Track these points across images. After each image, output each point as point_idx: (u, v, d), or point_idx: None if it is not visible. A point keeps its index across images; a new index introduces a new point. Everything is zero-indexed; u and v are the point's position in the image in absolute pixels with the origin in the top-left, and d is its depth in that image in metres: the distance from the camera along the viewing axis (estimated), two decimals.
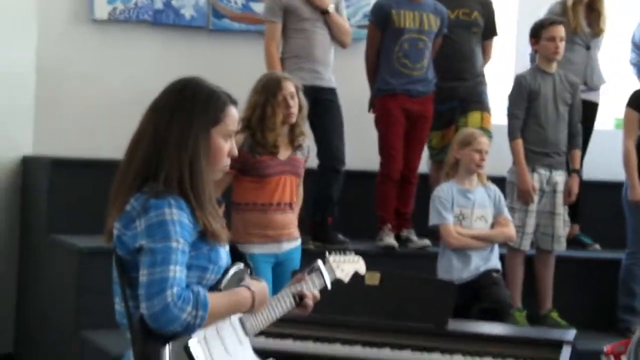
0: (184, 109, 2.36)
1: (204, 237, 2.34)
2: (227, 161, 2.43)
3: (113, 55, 5.83)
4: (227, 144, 2.41)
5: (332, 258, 2.74)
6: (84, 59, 5.76)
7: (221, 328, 2.38)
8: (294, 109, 4.26)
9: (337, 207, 5.50)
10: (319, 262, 2.69)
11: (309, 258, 4.36)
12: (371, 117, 5.68)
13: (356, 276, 2.81)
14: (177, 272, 2.24)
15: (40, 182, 5.48)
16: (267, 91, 4.23)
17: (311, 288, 2.62)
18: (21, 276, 5.58)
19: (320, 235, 5.37)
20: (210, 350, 2.33)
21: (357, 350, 3.56)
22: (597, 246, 6.05)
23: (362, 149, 5.74)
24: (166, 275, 2.22)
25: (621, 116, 5.73)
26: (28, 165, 5.62)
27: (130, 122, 5.49)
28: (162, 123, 2.35)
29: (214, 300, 2.29)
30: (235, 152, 2.46)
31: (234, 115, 2.43)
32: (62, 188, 5.37)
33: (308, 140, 4.48)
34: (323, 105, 5.32)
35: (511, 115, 5.41)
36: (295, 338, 3.64)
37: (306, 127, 4.84)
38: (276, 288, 4.03)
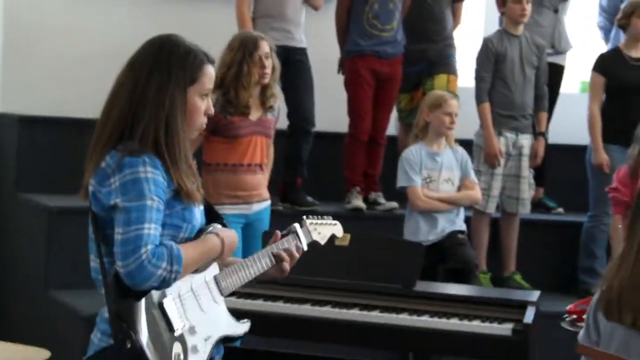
0: (161, 67, 2.36)
1: (178, 195, 2.35)
2: (203, 120, 2.44)
3: (84, 8, 5.76)
4: (203, 103, 2.42)
5: (309, 221, 2.76)
6: (54, 11, 5.68)
7: (196, 286, 2.41)
8: (268, 70, 4.27)
9: (306, 168, 5.54)
10: (296, 225, 2.70)
11: (278, 219, 4.43)
12: (340, 78, 5.69)
13: (333, 239, 2.83)
14: (152, 230, 2.26)
15: (7, 140, 5.44)
16: (244, 49, 4.23)
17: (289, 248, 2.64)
18: None
19: (289, 196, 5.42)
20: (185, 307, 2.35)
21: (326, 310, 3.60)
22: (561, 209, 6.15)
23: (331, 110, 5.76)
24: (140, 233, 2.24)
25: (587, 80, 5.80)
26: None
27: (101, 77, 5.43)
28: (139, 81, 2.35)
29: (187, 251, 2.31)
30: (212, 110, 2.46)
31: (211, 73, 2.44)
32: (30, 146, 5.35)
33: (278, 101, 4.49)
34: (294, 66, 5.33)
35: (478, 78, 5.46)
36: (265, 298, 3.68)
37: (277, 88, 4.86)
38: (246, 248, 4.09)
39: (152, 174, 2.29)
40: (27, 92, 5.62)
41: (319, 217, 2.81)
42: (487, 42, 5.47)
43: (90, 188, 2.36)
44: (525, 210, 5.49)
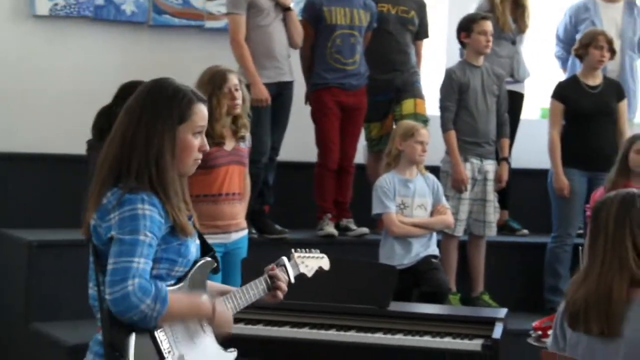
0: (150, 108, 2.50)
1: (174, 231, 2.48)
2: (198, 156, 2.57)
3: (55, 51, 5.89)
4: (196, 140, 2.55)
5: (297, 254, 2.88)
6: (26, 55, 5.80)
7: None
8: (239, 101, 4.40)
9: (273, 196, 5.67)
10: (284, 258, 2.83)
11: (251, 247, 4.56)
12: (308, 109, 5.86)
13: (320, 272, 2.95)
14: (142, 264, 2.37)
15: None
16: (214, 83, 4.36)
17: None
18: None
19: (257, 224, 5.51)
20: (175, 336, 2.47)
21: (305, 332, 3.75)
22: (526, 231, 6.33)
23: (299, 139, 5.93)
24: (129, 265, 2.36)
25: (547, 106, 6.02)
26: None
27: (74, 115, 5.61)
28: (130, 123, 2.50)
29: (175, 299, 2.42)
30: (207, 147, 2.59)
31: (202, 111, 2.57)
32: (9, 182, 5.44)
33: (248, 132, 4.56)
34: (282, 100, 5.52)
35: (443, 107, 5.65)
36: (246, 322, 3.81)
37: (267, 119, 4.98)
38: (225, 276, 4.21)
39: (149, 211, 2.42)
40: (7, 130, 5.72)
41: (307, 250, 2.93)
42: (450, 73, 5.67)
43: (92, 222, 2.49)
44: (491, 232, 5.68)
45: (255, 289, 2.71)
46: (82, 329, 4.50)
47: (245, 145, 4.52)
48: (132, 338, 2.39)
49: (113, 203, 2.44)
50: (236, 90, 4.41)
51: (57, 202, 5.35)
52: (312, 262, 2.92)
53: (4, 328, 5.19)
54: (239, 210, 4.45)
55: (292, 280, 2.82)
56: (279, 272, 2.76)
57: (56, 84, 5.86)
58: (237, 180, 4.42)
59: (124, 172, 2.48)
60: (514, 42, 6.23)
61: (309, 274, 2.90)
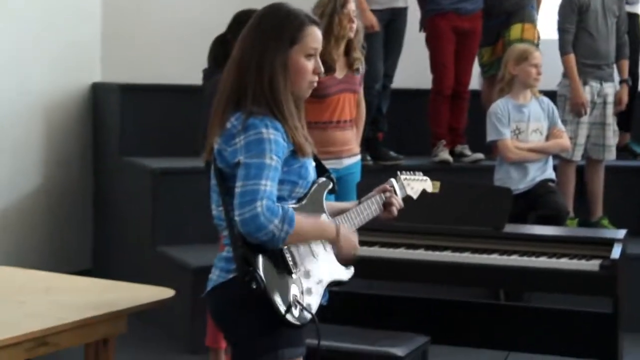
0: (261, 33, 2.54)
1: (295, 154, 2.55)
2: (313, 78, 2.60)
3: None
4: (310, 62, 2.58)
5: (404, 177, 2.92)
6: None
7: None
8: (354, 25, 4.36)
9: (387, 123, 5.69)
10: (392, 180, 2.87)
11: (365, 173, 4.61)
12: (421, 36, 5.83)
13: (424, 194, 2.98)
14: (269, 186, 2.44)
15: (110, 108, 5.74)
16: (336, 2, 4.32)
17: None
18: (97, 198, 5.87)
19: (372, 151, 5.56)
20: (300, 253, 2.55)
21: (420, 253, 3.78)
22: None
23: (413, 67, 5.90)
24: (257, 187, 2.42)
25: None
26: (98, 92, 5.87)
27: (191, 49, 5.74)
28: (245, 50, 2.55)
29: (301, 220, 2.49)
30: (321, 68, 2.61)
31: (315, 33, 2.58)
32: (131, 113, 5.63)
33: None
34: (395, 28, 5.50)
35: (562, 29, 5.52)
36: (362, 244, 3.85)
37: (379, 46, 4.93)
38: (339, 201, 4.27)
39: (273, 135, 2.48)
40: (126, 62, 5.93)
41: (411, 172, 2.97)
42: None
43: (215, 146, 2.56)
44: (611, 156, 5.57)
45: (370, 208, 2.75)
46: (205, 251, 4.70)
47: (358, 73, 4.49)
48: (261, 254, 2.47)
49: (238, 127, 2.50)
50: (354, 15, 4.37)
51: (176, 131, 5.53)
52: (417, 184, 2.95)
53: (133, 251, 5.45)
54: (351, 136, 4.45)
55: (401, 202, 2.85)
56: (390, 191, 2.79)
57: (176, 19, 6.01)
58: (349, 108, 4.41)
59: (242, 97, 2.53)
60: None
61: (415, 196, 2.94)
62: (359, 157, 4.55)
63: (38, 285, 3.14)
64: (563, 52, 5.48)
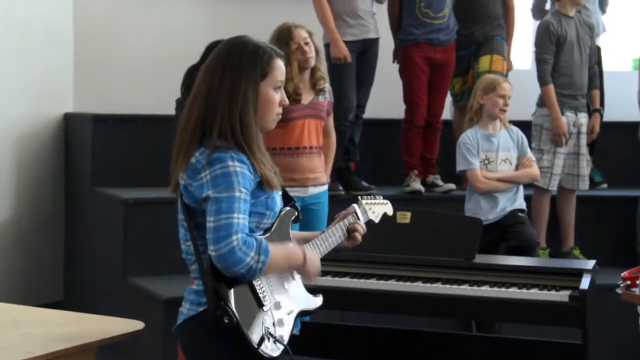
0: (232, 66, 2.55)
1: (261, 186, 2.55)
2: (278, 110, 2.63)
3: (147, 16, 6.05)
4: (277, 95, 2.61)
5: (365, 201, 2.93)
6: (120, 20, 5.99)
7: None
8: (311, 54, 4.33)
9: (359, 152, 5.70)
10: (355, 206, 2.88)
11: (338, 204, 4.61)
12: (394, 67, 5.87)
13: (385, 217, 3.00)
14: (241, 219, 2.44)
15: (82, 138, 5.72)
16: (280, 42, 4.26)
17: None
18: (68, 228, 5.84)
19: (344, 181, 5.56)
20: (270, 285, 2.56)
21: (391, 284, 3.79)
22: (605, 185, 6.24)
23: (386, 97, 5.94)
24: (231, 221, 2.43)
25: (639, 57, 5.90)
26: (70, 122, 5.86)
27: (162, 79, 5.75)
28: (213, 82, 2.55)
29: (272, 249, 2.49)
30: (286, 101, 2.65)
31: (281, 67, 2.62)
32: (103, 143, 5.62)
33: (328, 84, 4.51)
34: (367, 58, 5.53)
35: (541, 60, 5.55)
36: (334, 275, 3.89)
37: (352, 77, 4.95)
38: (306, 231, 4.25)
39: (240, 168, 2.48)
40: (98, 93, 5.93)
41: (372, 197, 2.97)
42: (547, 25, 5.55)
43: (181, 182, 2.56)
44: (584, 186, 5.61)
45: (334, 235, 2.76)
46: (176, 282, 4.67)
47: (325, 99, 4.46)
48: (232, 288, 2.47)
49: (202, 162, 2.50)
50: (306, 43, 4.33)
51: (148, 161, 5.52)
52: (378, 208, 2.97)
53: (104, 282, 5.41)
54: (318, 164, 4.39)
55: (364, 226, 2.86)
56: (352, 216, 2.81)
57: (147, 48, 6.03)
58: (315, 134, 4.37)
59: (208, 130, 2.54)
60: None
61: (376, 220, 2.95)
62: (326, 187, 4.49)
63: (6, 318, 3.10)
64: (542, 82, 5.52)
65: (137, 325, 2.92)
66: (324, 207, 4.43)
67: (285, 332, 2.57)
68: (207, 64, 2.61)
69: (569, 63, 5.52)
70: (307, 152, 4.34)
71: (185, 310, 2.57)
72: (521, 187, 5.04)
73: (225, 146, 2.51)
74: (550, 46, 5.51)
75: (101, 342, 2.82)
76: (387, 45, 5.87)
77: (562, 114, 5.51)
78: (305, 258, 2.61)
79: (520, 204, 4.99)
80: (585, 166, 5.59)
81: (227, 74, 2.55)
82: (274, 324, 2.53)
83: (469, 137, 4.98)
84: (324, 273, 3.85)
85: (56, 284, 5.81)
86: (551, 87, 5.48)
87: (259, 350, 2.47)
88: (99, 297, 5.43)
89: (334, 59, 5.33)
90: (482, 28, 5.87)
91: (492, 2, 5.91)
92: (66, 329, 2.94)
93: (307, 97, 4.39)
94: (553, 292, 3.65)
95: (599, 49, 6.11)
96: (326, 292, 2.84)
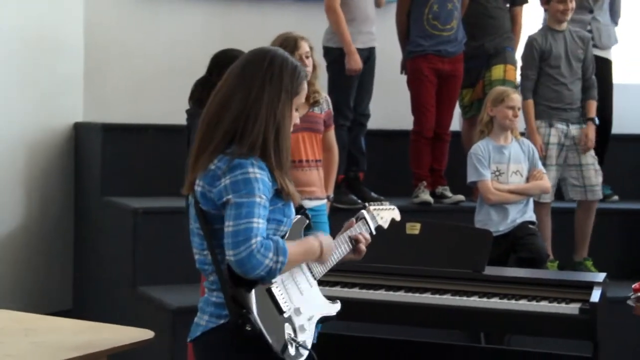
0: (274, 80, 2.57)
1: (279, 194, 2.57)
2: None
3: (157, 25, 6.07)
4: (296, 114, 2.66)
5: (373, 207, 2.95)
6: (129, 30, 6.01)
7: (295, 274, 2.64)
8: (309, 68, 4.30)
9: (367, 163, 5.69)
10: (363, 212, 2.91)
11: (348, 213, 4.60)
12: (403, 78, 5.88)
13: (395, 228, 3.01)
14: (260, 224, 2.46)
15: (92, 147, 5.74)
16: (284, 49, 4.27)
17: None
18: (78, 238, 5.85)
19: (353, 192, 5.55)
20: (288, 292, 2.58)
21: (400, 295, 3.79)
22: (616, 197, 6.22)
23: (394, 108, 5.94)
24: (250, 226, 2.44)
25: None
26: (80, 132, 5.88)
27: (172, 89, 5.79)
28: (252, 91, 2.55)
29: (290, 248, 2.52)
30: (298, 120, 2.68)
31: (306, 88, 2.67)
32: (112, 152, 5.63)
33: (325, 95, 4.47)
34: (369, 65, 5.55)
35: (522, 76, 5.63)
36: (342, 285, 3.89)
37: (353, 85, 4.98)
38: None
39: (260, 175, 2.50)
40: (108, 102, 5.95)
41: (379, 203, 3.00)
42: (531, 41, 5.61)
43: (198, 188, 2.56)
44: (595, 196, 5.58)
45: (340, 247, 2.78)
46: (185, 292, 4.69)
47: (322, 110, 4.40)
48: (253, 294, 2.48)
49: (223, 169, 2.51)
50: (307, 57, 4.31)
51: (157, 171, 5.54)
52: (386, 213, 2.98)
53: (113, 291, 5.42)
54: (315, 179, 4.30)
55: (374, 232, 2.88)
56: (356, 227, 2.83)
57: (157, 58, 6.06)
58: (311, 148, 4.31)
59: (237, 138, 2.54)
60: (591, 11, 6.08)
61: (385, 226, 2.96)
62: (323, 201, 4.39)
63: (18, 326, 3.12)
64: (522, 97, 5.53)
65: (147, 334, 2.93)
66: (321, 220, 4.35)
67: (307, 337, 2.58)
68: (241, 70, 2.60)
69: (556, 76, 5.55)
70: (303, 166, 4.28)
71: (204, 322, 2.56)
72: (531, 199, 5.04)
73: (247, 153, 2.52)
74: (533, 62, 5.55)
75: (112, 351, 2.83)
76: (395, 56, 5.89)
77: (552, 125, 5.52)
78: (322, 250, 2.64)
79: (531, 216, 4.98)
80: (593, 176, 5.57)
81: (267, 86, 2.57)
82: (295, 330, 2.55)
83: (480, 148, 4.98)
84: (333, 284, 3.88)
85: (65, 293, 5.82)
86: (530, 102, 5.52)
87: (284, 357, 2.48)
88: (108, 306, 5.43)
89: (349, 71, 5.35)
90: (493, 40, 5.89)
91: (502, 16, 5.93)
92: (77, 338, 2.96)
93: (301, 111, 4.34)
94: (563, 304, 3.63)
95: (605, 61, 6.11)
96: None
